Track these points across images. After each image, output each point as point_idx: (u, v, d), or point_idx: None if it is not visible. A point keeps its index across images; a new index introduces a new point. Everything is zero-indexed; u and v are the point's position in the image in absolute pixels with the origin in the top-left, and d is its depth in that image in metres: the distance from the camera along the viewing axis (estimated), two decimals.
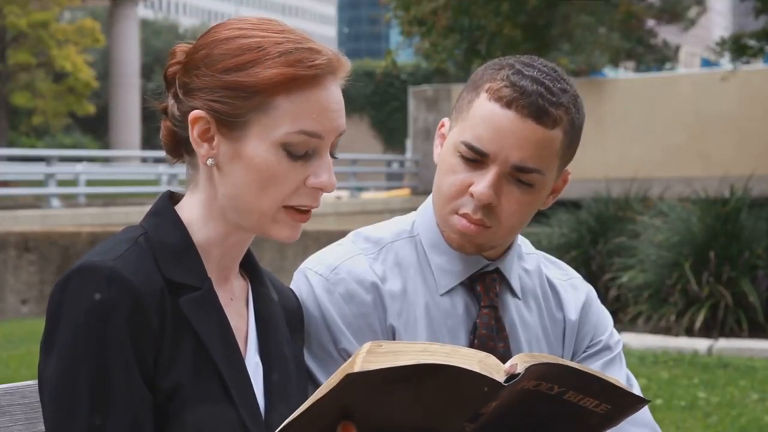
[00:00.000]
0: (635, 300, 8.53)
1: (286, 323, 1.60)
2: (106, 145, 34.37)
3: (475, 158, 1.65)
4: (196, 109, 1.45)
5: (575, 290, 1.84)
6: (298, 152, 1.44)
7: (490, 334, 1.70)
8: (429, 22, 11.79)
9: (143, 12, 54.44)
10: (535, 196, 1.68)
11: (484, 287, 1.73)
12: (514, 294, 1.76)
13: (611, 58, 19.05)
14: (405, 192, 23.52)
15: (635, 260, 8.76)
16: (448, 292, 1.72)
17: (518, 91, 1.62)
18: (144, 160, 27.06)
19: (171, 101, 1.50)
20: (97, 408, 1.32)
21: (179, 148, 1.53)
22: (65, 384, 1.33)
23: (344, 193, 22.64)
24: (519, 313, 1.76)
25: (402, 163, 25.69)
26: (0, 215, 14.65)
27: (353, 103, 38.43)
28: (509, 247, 1.77)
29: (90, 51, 31.77)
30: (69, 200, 18.46)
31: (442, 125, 1.75)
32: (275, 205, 1.45)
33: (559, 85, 1.65)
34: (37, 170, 18.15)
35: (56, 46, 28.52)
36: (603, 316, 1.84)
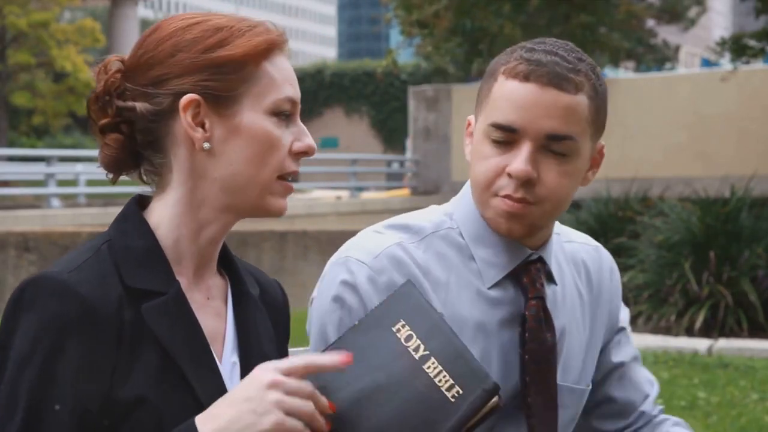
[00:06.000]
0: (635, 300, 8.52)
1: (269, 318, 1.58)
2: None
3: (506, 138, 1.64)
4: (185, 93, 1.43)
5: (599, 254, 1.88)
6: (284, 117, 1.47)
7: (539, 326, 1.69)
8: (431, 25, 11.78)
9: (143, 12, 54.42)
10: (573, 166, 1.67)
11: (530, 278, 1.71)
12: (551, 280, 1.75)
13: (611, 58, 19.01)
14: (405, 192, 23.48)
15: (635, 260, 8.76)
16: (495, 285, 1.70)
17: (534, 64, 1.62)
18: None
19: (137, 104, 1.45)
20: (30, 423, 1.31)
21: (128, 161, 1.49)
22: (8, 393, 1.33)
23: (344, 193, 22.63)
24: (562, 298, 1.76)
25: (402, 163, 25.66)
26: (0, 215, 14.63)
27: (353, 103, 38.43)
28: (550, 235, 1.76)
29: (90, 51, 31.75)
30: (69, 200, 18.44)
31: (469, 124, 1.74)
32: (273, 175, 1.46)
33: (574, 55, 1.66)
34: (37, 170, 18.12)
35: (56, 46, 28.49)
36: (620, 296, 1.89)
